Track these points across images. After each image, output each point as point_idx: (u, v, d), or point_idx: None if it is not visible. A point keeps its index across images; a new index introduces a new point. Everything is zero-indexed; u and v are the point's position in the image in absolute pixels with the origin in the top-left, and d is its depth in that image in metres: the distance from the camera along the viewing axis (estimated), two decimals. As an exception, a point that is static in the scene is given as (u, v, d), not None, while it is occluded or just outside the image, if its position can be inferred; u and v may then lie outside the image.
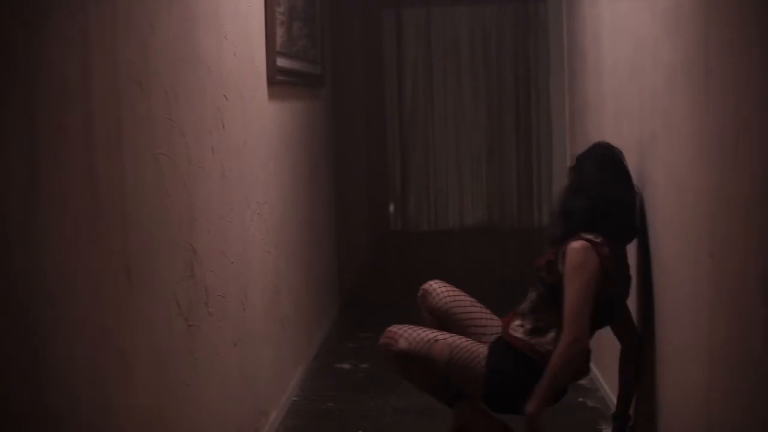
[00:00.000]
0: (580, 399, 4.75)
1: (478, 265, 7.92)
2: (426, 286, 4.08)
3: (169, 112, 2.98)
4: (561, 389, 3.77)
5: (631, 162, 3.95)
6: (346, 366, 5.46)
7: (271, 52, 4.48)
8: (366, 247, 8.47)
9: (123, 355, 2.58)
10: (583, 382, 4.98)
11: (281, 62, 4.67)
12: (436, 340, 3.81)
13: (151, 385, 2.80)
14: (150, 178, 2.81)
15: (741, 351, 2.65)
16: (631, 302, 4.02)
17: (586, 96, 5.05)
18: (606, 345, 4.75)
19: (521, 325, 3.78)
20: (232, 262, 3.73)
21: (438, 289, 4.07)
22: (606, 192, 3.74)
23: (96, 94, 2.44)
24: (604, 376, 4.76)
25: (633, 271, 3.95)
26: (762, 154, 2.42)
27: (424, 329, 3.86)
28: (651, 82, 3.57)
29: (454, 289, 4.07)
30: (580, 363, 3.66)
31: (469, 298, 4.06)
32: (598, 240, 3.64)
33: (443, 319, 4.02)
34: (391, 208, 9.00)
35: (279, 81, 4.64)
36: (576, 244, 3.63)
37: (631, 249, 3.98)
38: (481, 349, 3.81)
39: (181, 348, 3.09)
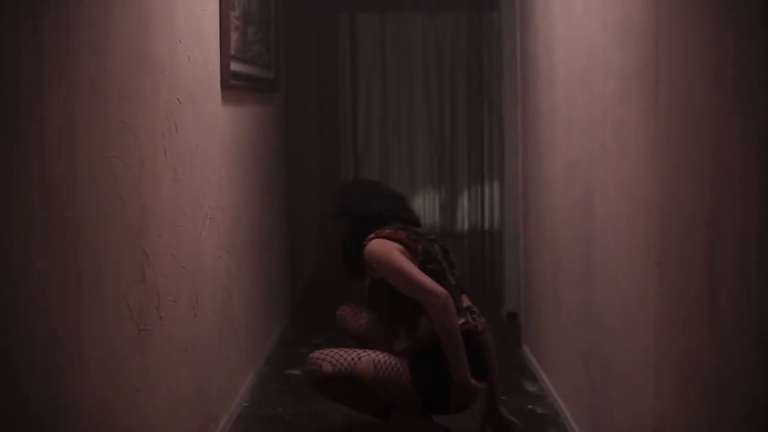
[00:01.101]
0: (530, 406, 4.77)
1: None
2: (339, 312, 4.37)
3: (122, 115, 2.97)
4: (482, 361, 3.99)
5: (581, 172, 3.98)
6: (297, 372, 5.44)
7: (225, 57, 4.47)
8: (318, 252, 8.46)
9: (73, 358, 2.56)
10: (533, 389, 5.01)
11: (235, 67, 4.67)
12: (360, 358, 3.93)
13: (100, 388, 2.78)
14: (102, 181, 2.79)
15: (687, 358, 2.69)
16: (582, 312, 4.06)
17: (538, 105, 5.08)
18: (552, 348, 4.79)
19: (399, 338, 4.00)
20: (183, 267, 3.72)
21: (349, 314, 4.31)
22: (360, 208, 4.19)
23: (49, 96, 2.43)
24: (553, 383, 4.79)
25: (580, 280, 3.98)
26: (710, 166, 2.45)
27: (346, 350, 3.99)
28: (602, 92, 3.60)
29: (362, 310, 4.23)
30: (452, 309, 3.83)
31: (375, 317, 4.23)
32: (387, 231, 3.99)
33: (363, 339, 4.27)
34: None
35: (233, 85, 4.64)
36: (368, 247, 3.96)
37: (580, 258, 4.02)
38: (402, 359, 3.97)
39: (132, 352, 3.07)
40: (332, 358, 3.97)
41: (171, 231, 3.54)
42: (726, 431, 2.42)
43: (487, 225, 8.02)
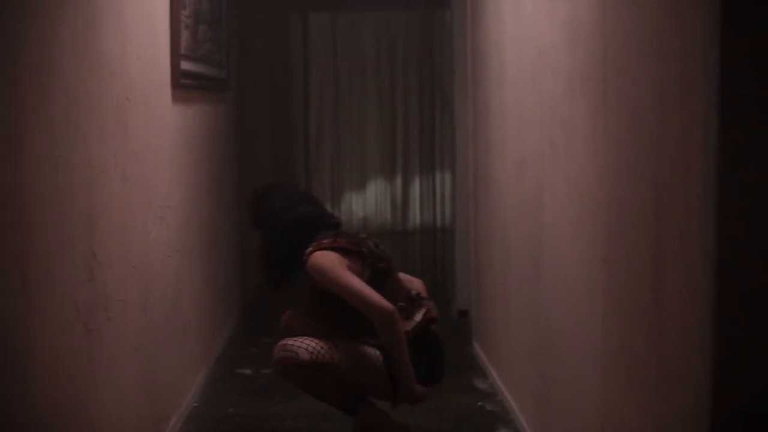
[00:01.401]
0: (480, 403, 4.80)
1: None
2: (284, 320, 4.19)
3: (69, 114, 2.95)
4: (437, 366, 4.04)
5: (531, 170, 4.01)
6: (248, 371, 5.44)
7: (175, 56, 4.46)
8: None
9: (19, 358, 2.54)
10: (483, 386, 5.04)
11: (186, 65, 4.65)
12: (337, 346, 3.87)
13: (48, 388, 2.76)
14: (50, 181, 2.77)
15: (632, 353, 2.72)
16: (531, 309, 4.09)
17: (489, 104, 5.11)
18: (502, 346, 4.82)
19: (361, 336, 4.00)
20: (133, 267, 3.70)
21: (296, 323, 4.15)
22: (288, 216, 4.06)
23: (-6, 95, 2.41)
24: (503, 380, 4.82)
25: (530, 277, 4.01)
26: (654, 165, 2.48)
27: (321, 339, 3.91)
28: (551, 92, 3.63)
29: (308, 318, 4.12)
30: (398, 324, 3.84)
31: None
32: (325, 241, 3.91)
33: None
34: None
35: (183, 84, 4.62)
36: (311, 261, 3.87)
37: (529, 256, 4.05)
38: (374, 350, 3.95)
39: (80, 352, 3.05)
40: (308, 345, 3.88)
41: (120, 231, 3.53)
42: (668, 428, 2.45)
43: (439, 223, 8.04)
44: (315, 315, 4.06)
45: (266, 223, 4.11)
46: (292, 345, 3.88)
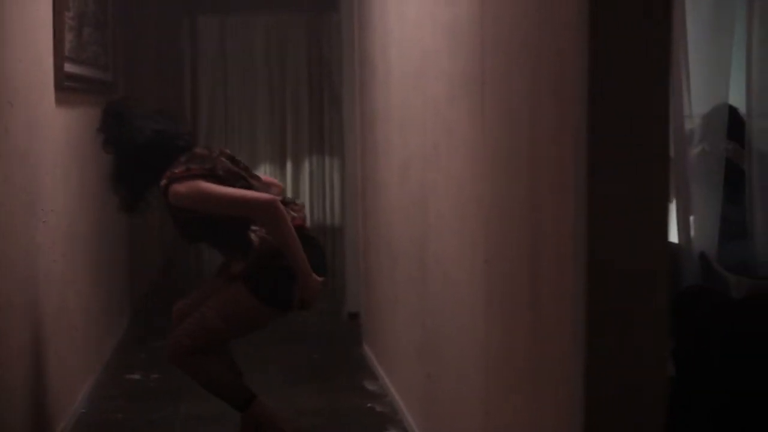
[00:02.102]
0: (369, 404, 4.83)
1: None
2: (175, 309, 4.17)
3: (-54, 117, 2.90)
4: (319, 257, 4.01)
5: (416, 172, 4.06)
6: (137, 376, 5.40)
7: (59, 58, 4.41)
8: (159, 256, 8.37)
9: None
10: (373, 387, 5.08)
11: (70, 68, 4.60)
12: (203, 314, 3.89)
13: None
14: (-74, 185, 2.73)
15: (512, 353, 2.77)
16: (417, 309, 4.14)
17: (375, 106, 5.15)
18: (390, 347, 4.86)
19: (236, 261, 3.96)
20: (16, 271, 3.65)
21: (182, 306, 4.16)
22: (136, 138, 3.94)
23: None
24: (392, 381, 4.86)
25: (416, 278, 4.06)
26: (529, 167, 2.54)
27: (190, 316, 3.93)
28: (434, 95, 3.68)
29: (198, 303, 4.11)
30: (283, 212, 3.82)
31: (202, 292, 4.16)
32: (177, 171, 3.83)
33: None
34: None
35: (67, 87, 4.57)
36: (172, 192, 3.80)
37: (415, 256, 4.10)
38: (239, 286, 3.91)
39: (-40, 359, 3.01)
40: (184, 329, 3.89)
41: (2, 235, 3.48)
42: (545, 425, 2.51)
43: (329, 223, 8.08)
44: (192, 240, 4.10)
45: (118, 143, 3.99)
46: (175, 336, 3.92)
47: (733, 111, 3.23)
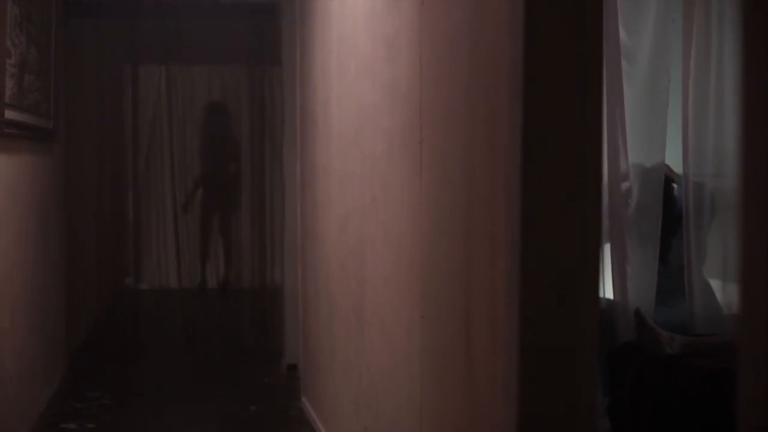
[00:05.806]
0: None
1: (214, 323, 7.95)
2: None
3: None
4: None
5: (354, 225, 4.10)
6: (72, 426, 5.35)
7: (-1, 105, 4.41)
8: (97, 306, 8.32)
9: None
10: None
11: (10, 115, 4.60)
12: None
13: None
14: None
15: (447, 407, 2.80)
16: (354, 361, 4.16)
17: (315, 160, 5.19)
18: (328, 399, 4.86)
19: None
20: (-50, 320, 3.63)
21: None
22: None
23: None
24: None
25: (354, 330, 4.08)
26: (463, 223, 2.59)
27: None
28: (372, 150, 3.73)
29: None
30: None
31: None
32: None
33: None
34: (127, 265, 8.89)
35: (7, 134, 4.57)
36: None
37: (353, 309, 4.12)
38: None
39: None
40: None
41: (-63, 283, 3.46)
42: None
43: (268, 277, 8.08)
44: None
45: None
46: None
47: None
